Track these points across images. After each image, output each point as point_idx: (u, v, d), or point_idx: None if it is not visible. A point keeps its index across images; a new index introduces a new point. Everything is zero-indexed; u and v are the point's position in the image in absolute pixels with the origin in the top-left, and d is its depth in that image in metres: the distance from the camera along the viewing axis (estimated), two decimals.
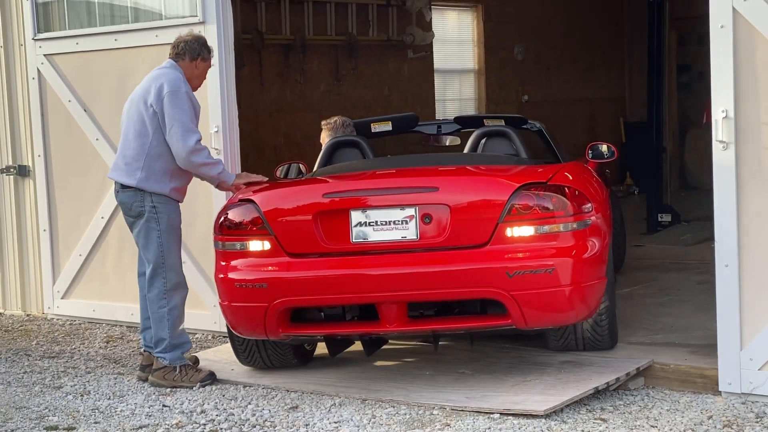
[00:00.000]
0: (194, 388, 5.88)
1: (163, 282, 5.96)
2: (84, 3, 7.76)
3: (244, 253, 5.55)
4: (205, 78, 6.26)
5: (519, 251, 5.27)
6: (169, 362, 5.96)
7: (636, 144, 13.30)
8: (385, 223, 5.39)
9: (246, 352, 6.00)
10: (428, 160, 6.36)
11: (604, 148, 7.10)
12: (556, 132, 11.73)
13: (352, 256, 5.44)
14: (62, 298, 8.01)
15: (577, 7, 13.94)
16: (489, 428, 4.94)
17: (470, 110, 13.25)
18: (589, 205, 5.48)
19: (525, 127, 7.22)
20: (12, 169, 8.17)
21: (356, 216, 5.42)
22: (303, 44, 10.92)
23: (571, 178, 5.70)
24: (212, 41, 6.89)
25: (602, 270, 5.51)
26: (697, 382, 5.44)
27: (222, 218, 5.66)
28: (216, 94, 6.92)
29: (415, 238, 5.37)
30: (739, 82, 5.16)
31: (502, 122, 7.04)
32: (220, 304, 5.68)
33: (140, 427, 5.27)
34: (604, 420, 5.00)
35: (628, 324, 6.52)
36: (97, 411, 5.60)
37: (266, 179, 6.11)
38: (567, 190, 5.41)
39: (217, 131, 6.91)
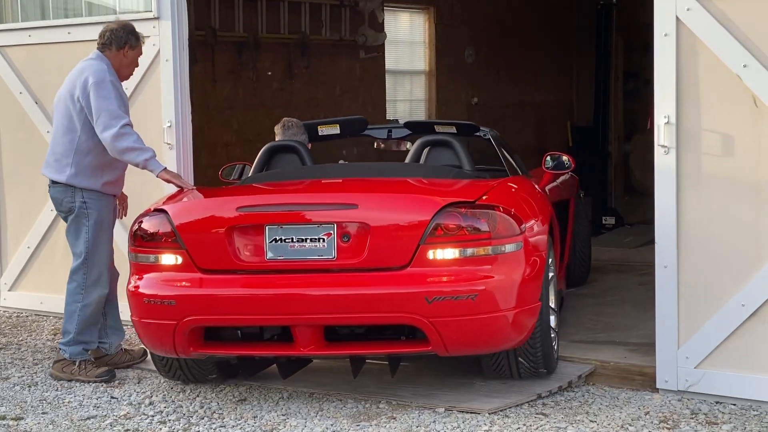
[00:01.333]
0: (90, 383, 5.90)
1: (84, 277, 5.99)
2: None
3: (156, 267, 5.28)
4: (136, 65, 6.22)
5: (441, 275, 4.99)
6: (69, 356, 6.00)
7: (582, 148, 13.52)
8: (302, 241, 5.10)
9: (166, 365, 5.72)
10: (362, 170, 6.09)
11: (564, 159, 6.91)
12: (505, 135, 11.93)
13: (265, 274, 5.15)
14: (9, 290, 7.99)
15: (526, 12, 14.13)
16: (434, 421, 5.06)
17: (420, 111, 13.38)
18: (522, 226, 5.19)
19: (477, 134, 6.91)
20: None
21: (271, 232, 5.14)
22: (256, 42, 10.96)
23: (505, 196, 5.47)
24: (167, 37, 6.96)
25: (534, 296, 5.25)
26: (636, 380, 5.61)
27: (136, 228, 5.38)
28: (170, 89, 6.97)
29: (332, 257, 5.08)
30: (681, 89, 5.32)
31: (453, 129, 6.81)
32: (131, 318, 5.42)
33: (88, 418, 5.31)
34: (545, 415, 5.14)
35: (570, 323, 6.69)
36: (44, 402, 5.62)
37: (194, 188, 5.93)
38: (498, 210, 5.12)
39: (170, 126, 6.95)
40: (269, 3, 11.09)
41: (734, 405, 5.22)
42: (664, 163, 5.38)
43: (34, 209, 7.78)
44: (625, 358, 5.83)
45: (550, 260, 5.61)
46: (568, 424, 4.99)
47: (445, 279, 4.99)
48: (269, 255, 5.14)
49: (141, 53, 6.22)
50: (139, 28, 6.96)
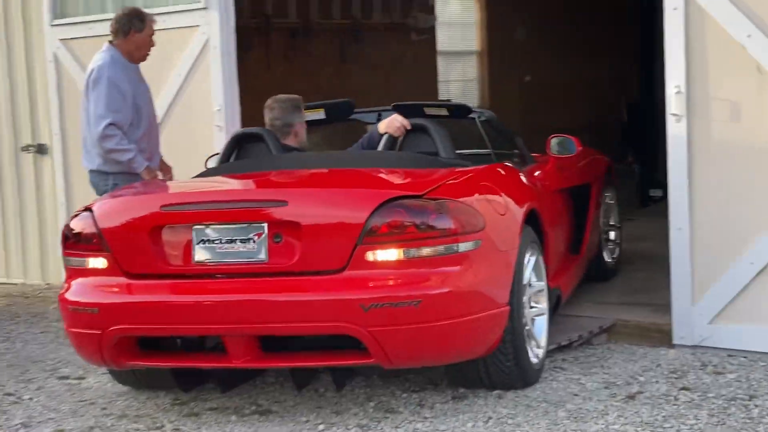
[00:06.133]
0: None
1: None
2: None
3: (84, 271, 4.86)
4: (151, 45, 6.34)
5: (381, 279, 4.43)
6: None
7: (638, 123, 13.71)
8: (230, 242, 4.62)
9: (115, 371, 5.30)
10: (321, 161, 5.55)
11: (570, 141, 6.46)
12: (557, 112, 12.13)
13: (192, 279, 4.68)
14: None
15: None
16: None
17: (473, 91, 13.69)
18: (484, 220, 4.62)
19: (471, 116, 6.24)
20: (31, 147, 8.72)
21: (198, 232, 4.66)
22: (308, 27, 11.38)
23: (465, 186, 4.82)
24: (215, 26, 7.43)
25: (495, 299, 4.68)
26: (654, 337, 5.91)
27: (65, 228, 5.00)
28: (218, 75, 7.44)
29: (263, 259, 4.57)
30: (691, 60, 5.60)
31: (445, 111, 6.27)
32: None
33: None
34: (563, 369, 5.46)
35: (602, 288, 7.02)
36: None
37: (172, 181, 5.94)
38: (451, 203, 4.54)
39: (219, 110, 7.43)
40: None
41: (744, 357, 5.49)
42: (676, 130, 5.67)
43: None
44: (645, 317, 6.14)
45: (528, 257, 5.03)
46: (582, 375, 5.32)
47: (382, 284, 4.42)
48: (196, 258, 4.67)
49: (152, 33, 6.33)
50: (189, 18, 7.50)
